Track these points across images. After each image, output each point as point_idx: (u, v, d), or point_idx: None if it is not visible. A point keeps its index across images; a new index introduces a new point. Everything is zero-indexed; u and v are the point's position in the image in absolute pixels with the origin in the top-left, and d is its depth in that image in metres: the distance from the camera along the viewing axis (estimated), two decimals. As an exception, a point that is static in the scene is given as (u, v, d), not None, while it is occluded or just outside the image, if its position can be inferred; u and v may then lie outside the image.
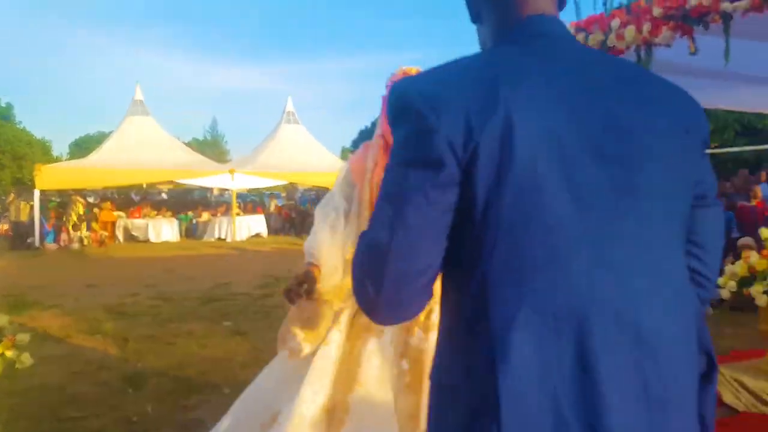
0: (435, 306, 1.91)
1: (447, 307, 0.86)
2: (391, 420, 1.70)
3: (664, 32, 2.50)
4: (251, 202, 20.88)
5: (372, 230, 0.81)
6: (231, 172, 15.83)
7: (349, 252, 1.90)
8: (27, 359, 2.29)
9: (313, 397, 1.74)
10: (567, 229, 0.75)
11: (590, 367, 0.73)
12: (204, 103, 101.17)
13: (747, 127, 16.07)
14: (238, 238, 15.98)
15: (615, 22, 2.81)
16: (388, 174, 0.81)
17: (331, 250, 1.89)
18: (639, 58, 2.78)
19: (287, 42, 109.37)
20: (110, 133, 19.29)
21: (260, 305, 6.81)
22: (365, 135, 43.12)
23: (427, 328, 1.86)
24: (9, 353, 2.24)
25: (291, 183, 22.10)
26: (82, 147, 41.08)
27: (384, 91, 2.10)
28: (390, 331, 1.85)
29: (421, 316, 1.89)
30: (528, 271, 0.75)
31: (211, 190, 25.09)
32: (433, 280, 0.83)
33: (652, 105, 0.83)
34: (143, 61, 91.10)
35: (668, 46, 2.63)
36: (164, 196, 22.72)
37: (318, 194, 24.56)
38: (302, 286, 1.83)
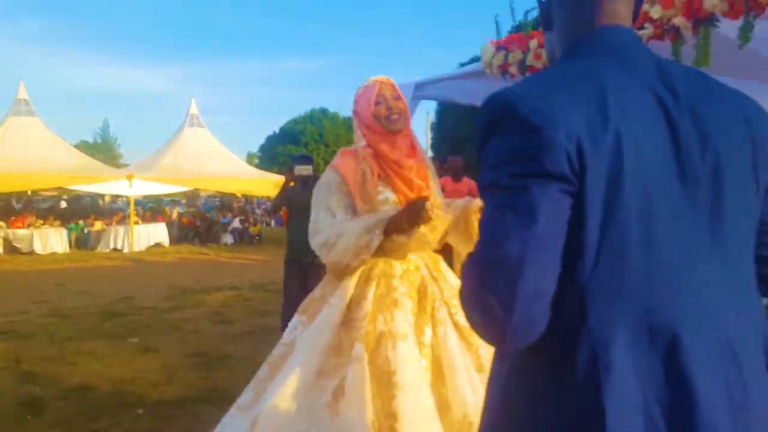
0: (438, 300, 1.98)
1: None
2: (436, 414, 1.76)
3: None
4: (149, 209, 19.80)
5: (492, 246, 0.77)
6: (129, 177, 14.90)
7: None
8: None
9: (360, 417, 1.74)
10: (667, 249, 0.78)
11: (687, 382, 0.75)
12: (94, 104, 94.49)
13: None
14: (136, 249, 15.06)
15: (533, 43, 3.00)
16: (502, 187, 0.77)
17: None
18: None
19: (187, 43, 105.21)
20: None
21: (168, 319, 6.50)
22: (273, 140, 42.39)
23: (435, 324, 1.95)
24: None
25: (193, 189, 21.23)
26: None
27: (352, 106, 2.10)
28: (411, 336, 1.87)
29: (428, 314, 1.94)
30: (629, 287, 0.76)
31: (102, 196, 23.48)
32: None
33: (728, 116, 0.85)
34: (24, 57, 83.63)
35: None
36: (63, 203, 21.01)
37: (222, 201, 23.66)
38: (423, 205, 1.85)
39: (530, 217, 0.73)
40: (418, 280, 2.02)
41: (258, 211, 24.71)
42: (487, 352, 1.94)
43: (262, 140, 44.79)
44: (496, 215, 0.77)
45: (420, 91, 4.29)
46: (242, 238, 17.30)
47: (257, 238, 17.44)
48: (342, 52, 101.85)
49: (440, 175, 5.06)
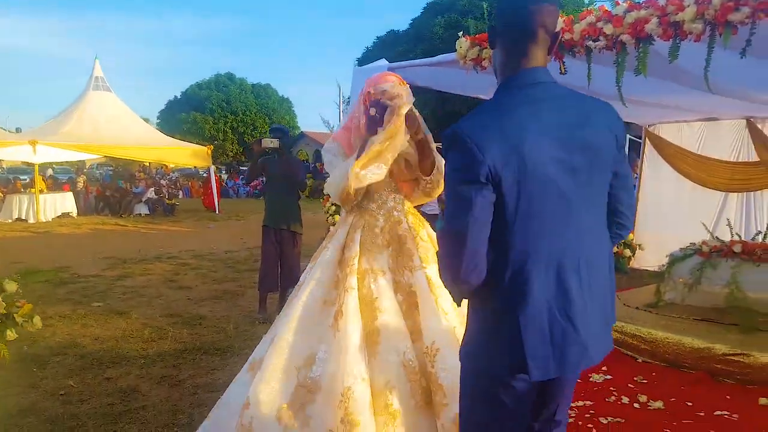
0: (414, 252, 2.59)
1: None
2: (408, 334, 2.40)
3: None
4: (51, 178, 18.89)
5: (450, 226, 1.39)
6: (33, 143, 14.21)
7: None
8: (38, 322, 2.47)
9: (354, 329, 2.33)
10: (554, 213, 1.42)
11: (566, 287, 1.42)
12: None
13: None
14: (43, 219, 14.52)
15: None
16: (453, 188, 1.39)
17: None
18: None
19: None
20: None
21: (122, 286, 6.75)
22: (174, 106, 40.76)
23: (410, 269, 2.56)
24: (19, 318, 2.41)
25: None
26: None
27: (364, 88, 2.60)
28: (388, 273, 2.52)
29: (406, 259, 2.58)
30: (533, 237, 1.41)
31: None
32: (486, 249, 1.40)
33: (598, 124, 1.48)
34: None
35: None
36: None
37: (116, 171, 22.34)
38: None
39: (470, 208, 1.35)
40: (398, 231, 2.62)
41: (163, 182, 23.95)
42: (444, 301, 2.53)
43: (163, 106, 42.97)
44: (450, 207, 1.40)
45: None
46: (156, 209, 17.07)
47: (173, 208, 17.26)
48: (241, 12, 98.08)
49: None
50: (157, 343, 4.53)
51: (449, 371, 2.29)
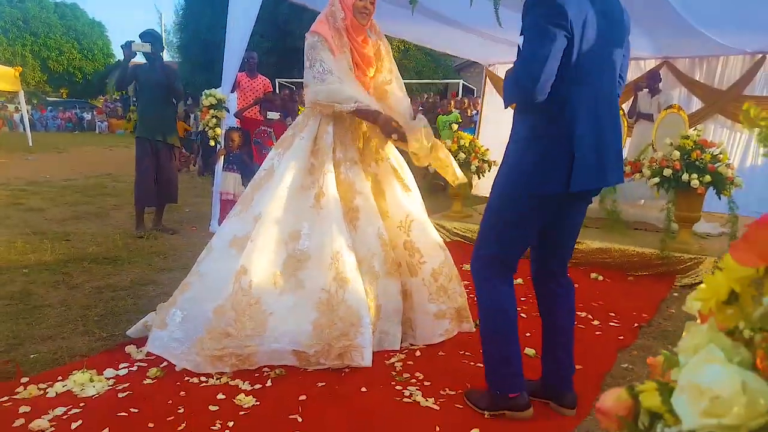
0: (375, 140, 2.97)
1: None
2: (379, 213, 2.84)
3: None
4: None
5: (536, 52, 1.90)
6: None
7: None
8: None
9: (336, 206, 2.70)
10: (595, 67, 2.01)
11: (599, 115, 2.01)
12: None
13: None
14: None
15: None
16: (541, 27, 1.89)
17: (366, 96, 2.79)
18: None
19: None
20: None
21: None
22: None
23: (377, 159, 2.98)
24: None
25: None
26: None
27: None
28: (358, 163, 2.88)
29: (372, 152, 2.98)
30: (582, 82, 1.98)
31: None
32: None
33: (621, 12, 2.11)
34: None
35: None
36: None
37: None
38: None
39: (553, 38, 1.90)
40: (363, 129, 2.96)
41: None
42: (410, 181, 3.00)
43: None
44: (533, 38, 1.94)
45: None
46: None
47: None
48: None
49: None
50: (36, 255, 4.38)
51: (421, 236, 2.88)
